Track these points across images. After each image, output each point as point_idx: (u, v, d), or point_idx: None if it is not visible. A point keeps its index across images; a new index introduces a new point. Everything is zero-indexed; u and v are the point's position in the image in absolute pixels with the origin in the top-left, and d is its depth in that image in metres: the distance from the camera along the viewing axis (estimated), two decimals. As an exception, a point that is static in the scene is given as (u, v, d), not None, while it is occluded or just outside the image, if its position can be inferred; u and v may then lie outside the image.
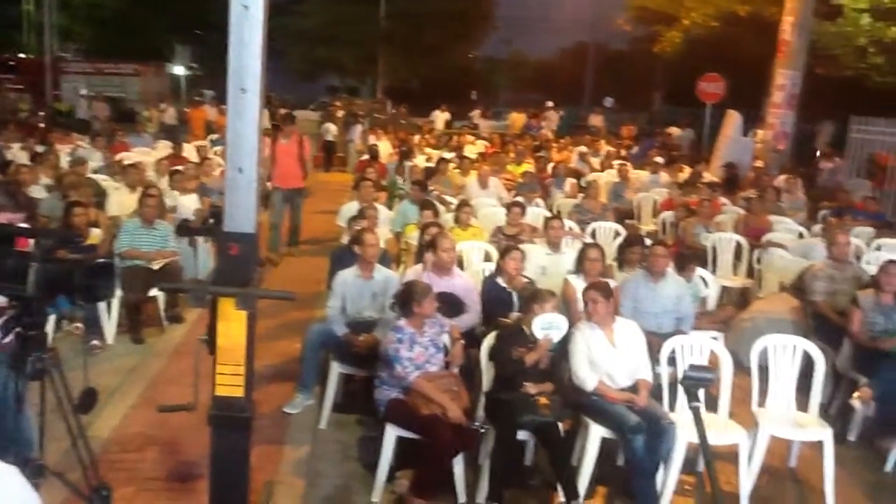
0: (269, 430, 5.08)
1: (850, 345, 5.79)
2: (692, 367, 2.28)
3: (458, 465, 4.41)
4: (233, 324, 3.08)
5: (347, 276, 5.53)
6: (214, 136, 16.55)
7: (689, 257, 6.58)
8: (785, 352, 5.03)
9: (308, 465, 4.81)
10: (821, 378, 4.97)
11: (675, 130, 21.06)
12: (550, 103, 25.56)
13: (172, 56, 33.44)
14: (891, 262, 5.98)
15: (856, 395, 5.37)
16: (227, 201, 3.12)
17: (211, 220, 3.42)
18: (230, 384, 3.12)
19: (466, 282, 5.71)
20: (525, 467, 4.84)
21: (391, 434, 4.44)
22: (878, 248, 8.41)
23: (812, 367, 4.98)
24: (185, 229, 5.40)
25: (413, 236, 7.43)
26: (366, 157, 14.31)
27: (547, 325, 4.63)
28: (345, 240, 7.23)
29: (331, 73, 40.05)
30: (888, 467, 5.13)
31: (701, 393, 2.09)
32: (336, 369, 5.34)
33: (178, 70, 34.42)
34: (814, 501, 4.78)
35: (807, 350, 5.03)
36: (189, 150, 13.07)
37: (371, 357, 5.00)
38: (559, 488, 4.43)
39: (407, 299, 4.65)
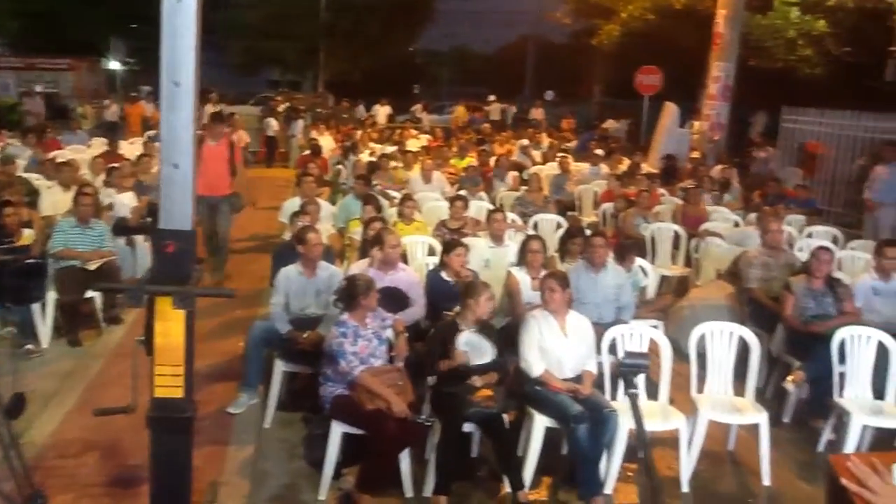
0: (213, 430, 5.02)
1: (783, 329, 5.97)
2: (628, 355, 2.33)
3: (405, 460, 4.42)
4: (171, 323, 3.02)
5: (290, 273, 5.49)
6: (152, 133, 16.18)
7: (630, 247, 6.71)
8: (722, 338, 5.16)
9: (253, 464, 4.76)
10: (756, 363, 5.12)
11: (611, 123, 21.42)
12: (493, 97, 25.73)
13: (107, 50, 32.54)
14: (821, 248, 6.19)
15: (789, 378, 5.55)
16: (162, 198, 3.06)
17: (148, 218, 3.35)
18: (169, 385, 3.06)
19: (410, 276, 5.72)
20: (472, 459, 4.88)
21: (336, 430, 4.43)
22: (810, 235, 8.70)
23: (748, 352, 5.12)
24: (121, 228, 5.30)
25: (356, 231, 7.40)
26: (307, 152, 14.17)
27: (468, 345, 4.69)
28: (287, 236, 7.16)
29: (272, 67, 39.49)
30: (820, 447, 5.30)
31: (639, 379, 2.13)
32: (280, 367, 5.29)
33: (114, 65, 33.52)
34: (751, 482, 4.92)
35: (742, 336, 5.17)
36: (126, 148, 12.76)
37: (315, 354, 4.95)
38: (505, 479, 4.49)
39: (350, 293, 4.64)
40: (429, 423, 4.47)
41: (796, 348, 5.76)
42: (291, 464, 4.81)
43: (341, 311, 4.67)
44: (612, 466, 4.60)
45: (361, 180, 9.14)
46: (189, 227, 3.07)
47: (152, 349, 3.06)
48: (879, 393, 5.16)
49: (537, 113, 24.79)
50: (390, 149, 14.09)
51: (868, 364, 5.21)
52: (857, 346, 5.22)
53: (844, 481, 1.79)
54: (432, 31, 43.17)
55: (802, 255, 7.06)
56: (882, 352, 5.20)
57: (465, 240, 6.96)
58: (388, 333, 4.89)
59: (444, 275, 5.65)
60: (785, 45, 15.98)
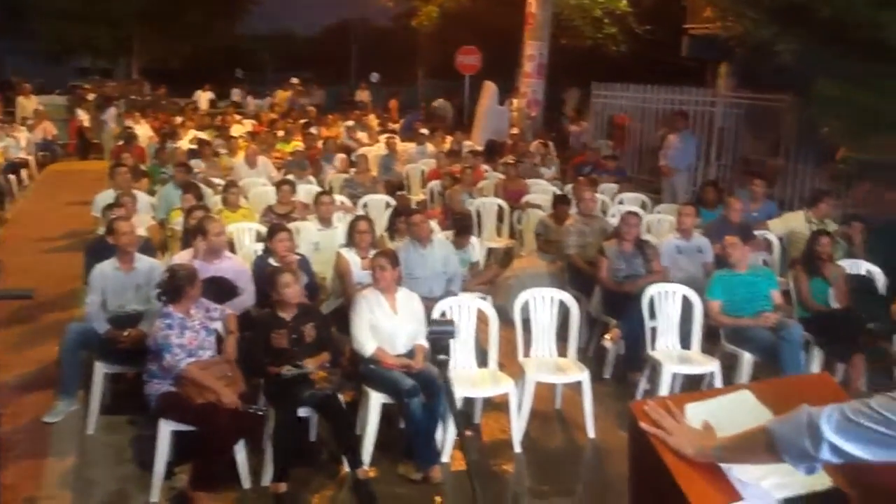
0: (27, 443, 4.70)
1: (599, 291, 6.37)
2: (435, 322, 2.40)
3: (241, 452, 4.34)
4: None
5: (106, 269, 5.18)
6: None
7: (467, 225, 6.90)
8: (544, 303, 5.43)
9: (76, 474, 4.50)
10: (576, 324, 5.44)
11: (441, 102, 21.80)
12: (294, 80, 25.34)
13: None
14: (629, 213, 6.65)
15: (607, 336, 5.94)
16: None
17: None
18: (-33, 398, 2.82)
19: (237, 264, 5.57)
20: (310, 444, 4.86)
21: (165, 429, 4.26)
22: (621, 202, 9.29)
23: (569, 314, 5.42)
24: None
25: (178, 222, 7.10)
26: (122, 142, 13.39)
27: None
28: (101, 231, 6.76)
29: (83, 53, 36.73)
30: (638, 397, 5.71)
31: (451, 345, 2.22)
32: (101, 369, 5.00)
33: None
34: (577, 436, 5.24)
35: (562, 300, 5.47)
36: None
37: (138, 352, 4.72)
38: (344, 459, 4.51)
39: (173, 284, 4.47)
40: (261, 413, 4.39)
41: (612, 308, 6.17)
42: (120, 469, 4.58)
43: (164, 304, 4.49)
44: (447, 435, 4.74)
45: (181, 168, 8.77)
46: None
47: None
48: (686, 343, 5.63)
49: (363, 95, 24.73)
50: (213, 135, 13.60)
51: (675, 317, 5.66)
52: (664, 301, 5.67)
53: (642, 424, 1.95)
54: (254, 14, 41.91)
55: (615, 221, 7.53)
56: (687, 305, 5.67)
57: (294, 224, 6.91)
58: (217, 325, 4.76)
59: (271, 261, 5.56)
60: (592, 23, 16.90)
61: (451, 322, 2.46)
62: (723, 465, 1.85)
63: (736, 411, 1.98)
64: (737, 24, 7.92)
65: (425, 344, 4.91)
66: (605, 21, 16.90)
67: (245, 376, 4.58)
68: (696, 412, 1.97)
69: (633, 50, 17.31)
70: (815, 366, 5.66)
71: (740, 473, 1.85)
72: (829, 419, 1.66)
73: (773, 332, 5.43)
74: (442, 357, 2.29)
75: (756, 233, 7.25)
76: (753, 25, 7.57)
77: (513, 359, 5.35)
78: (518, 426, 4.99)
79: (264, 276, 5.50)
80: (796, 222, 7.44)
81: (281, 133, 14.16)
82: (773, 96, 10.94)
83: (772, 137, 11.29)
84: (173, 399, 4.27)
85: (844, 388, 4.30)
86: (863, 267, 6.52)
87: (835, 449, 1.64)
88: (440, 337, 2.29)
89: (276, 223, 6.18)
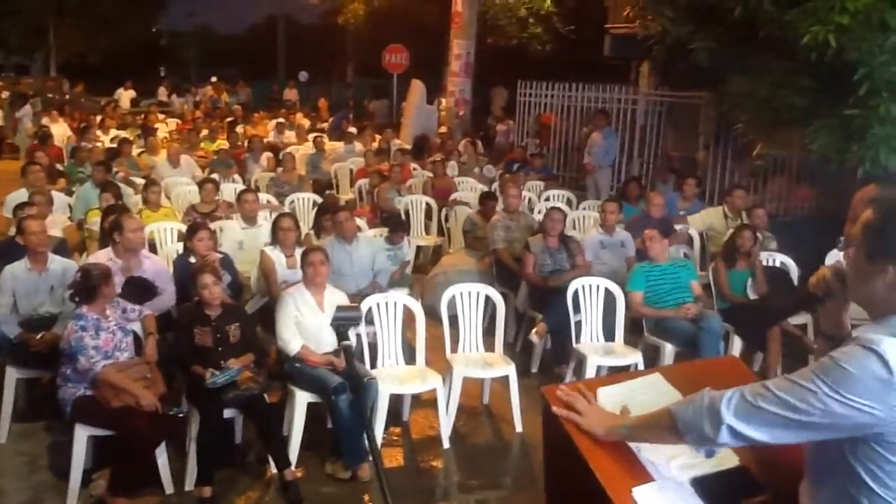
0: (-66, 455, 4.48)
1: (526, 286, 6.43)
2: (339, 309, 2.41)
3: (162, 455, 4.23)
4: None
5: (17, 271, 4.99)
6: None
7: (400, 224, 6.89)
8: (470, 298, 5.45)
9: (-14, 485, 4.32)
10: (502, 319, 5.48)
11: (375, 104, 21.84)
12: (214, 79, 25.06)
13: None
14: (552, 209, 6.74)
15: (534, 331, 6.00)
16: None
17: None
18: None
19: (156, 264, 5.44)
20: (235, 446, 4.78)
21: (81, 434, 4.12)
22: (548, 199, 9.42)
23: (496, 310, 5.47)
24: None
25: (95, 221, 6.88)
26: (37, 140, 12.90)
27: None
28: (13, 232, 6.50)
29: (-6, 50, 35.20)
30: (562, 389, 5.80)
31: (352, 332, 2.27)
32: (13, 375, 4.81)
33: None
34: (505, 430, 5.28)
35: (489, 295, 5.51)
36: None
37: (53, 356, 4.56)
38: (271, 459, 4.45)
39: (86, 284, 4.32)
40: (182, 415, 4.29)
41: (538, 303, 6.24)
42: (34, 477, 4.41)
43: (78, 305, 4.34)
44: (375, 433, 4.72)
45: (100, 167, 8.51)
46: None
47: None
48: (610, 335, 5.74)
49: (291, 94, 24.47)
50: (134, 134, 13.25)
51: (598, 310, 5.76)
52: (588, 295, 5.76)
53: (555, 409, 1.98)
54: (175, 10, 40.97)
55: (541, 218, 7.62)
56: (610, 298, 5.78)
57: (217, 222, 6.80)
58: (135, 326, 4.63)
59: (192, 260, 5.44)
60: (517, 23, 17.09)
61: (356, 308, 2.48)
62: (633, 447, 1.90)
63: (647, 394, 2.03)
64: (654, 23, 8.12)
65: (352, 341, 4.89)
66: (531, 21, 17.13)
67: (166, 378, 4.47)
68: (608, 395, 2.01)
69: (559, 49, 17.57)
70: (735, 355, 5.84)
71: (651, 455, 1.89)
72: (728, 403, 1.68)
73: (693, 323, 5.58)
74: (346, 343, 2.32)
75: (677, 227, 7.44)
76: (670, 24, 7.77)
77: (442, 355, 5.36)
78: (446, 422, 5.01)
79: (185, 276, 5.40)
80: (714, 217, 7.68)
81: (205, 132, 13.91)
82: (692, 93, 11.26)
83: (692, 134, 11.61)
84: (89, 403, 4.14)
85: (762, 376, 4.47)
86: (777, 259, 6.77)
87: (734, 432, 1.66)
88: (344, 323, 2.31)
89: (196, 222, 6.06)
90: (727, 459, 1.93)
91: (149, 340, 4.57)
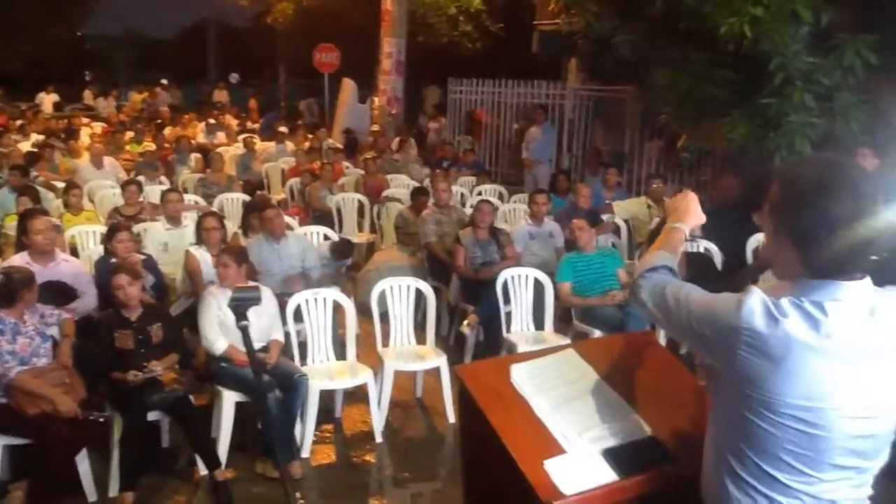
0: None
1: (457, 279, 6.45)
2: (238, 290, 2.40)
3: (83, 462, 4.10)
4: None
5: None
6: None
7: (346, 251, 6.79)
8: (401, 292, 5.44)
9: None
10: (433, 311, 5.48)
11: (306, 104, 21.67)
12: (164, 81, 24.63)
13: None
14: (481, 201, 6.78)
15: (465, 322, 6.02)
16: None
17: None
18: None
19: (75, 266, 5.27)
20: (163, 449, 4.67)
21: (-4, 444, 3.97)
22: (480, 194, 9.46)
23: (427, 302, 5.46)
24: None
25: (12, 226, 6.64)
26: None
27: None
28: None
29: None
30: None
31: (251, 312, 2.26)
32: (-78, 387, 4.60)
33: None
34: (438, 423, 5.28)
35: (419, 288, 5.50)
36: None
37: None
38: (200, 461, 4.35)
39: (7, 288, 4.16)
40: (101, 420, 4.16)
41: (470, 295, 6.26)
42: (-55, 493, 4.23)
43: (-8, 312, 4.17)
44: (307, 430, 4.68)
45: (15, 172, 8.22)
46: None
47: None
48: (540, 324, 5.79)
49: (221, 95, 24.10)
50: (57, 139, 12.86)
51: (528, 300, 5.81)
52: (518, 285, 5.80)
53: (468, 385, 1.99)
54: (102, 15, 39.84)
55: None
56: (539, 288, 5.83)
57: (141, 224, 6.64)
58: (53, 331, 4.47)
59: (113, 262, 5.28)
60: (448, 21, 17.14)
61: (255, 289, 2.46)
62: (545, 421, 1.91)
63: (561, 369, 2.05)
64: (579, 18, 8.24)
65: (280, 338, 4.83)
66: (461, 19, 17.20)
67: (87, 382, 4.33)
68: (522, 372, 2.02)
69: (490, 47, 17.69)
70: (661, 339, 5.95)
71: (563, 428, 1.91)
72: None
73: (620, 310, 5.67)
74: (243, 323, 2.31)
75: (604, 217, 7.57)
76: (594, 18, 7.89)
77: (376, 351, 5.33)
78: (378, 416, 4.98)
79: (107, 279, 5.25)
80: (638, 207, 7.84)
81: (130, 134, 13.62)
82: (618, 88, 11.45)
83: (619, 127, 11.82)
84: (4, 411, 3.97)
85: (689, 358, 4.57)
86: (701, 245, 6.92)
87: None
88: (241, 304, 2.30)
89: (115, 223, 5.90)
90: (639, 431, 1.96)
91: (63, 344, 4.41)
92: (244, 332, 2.32)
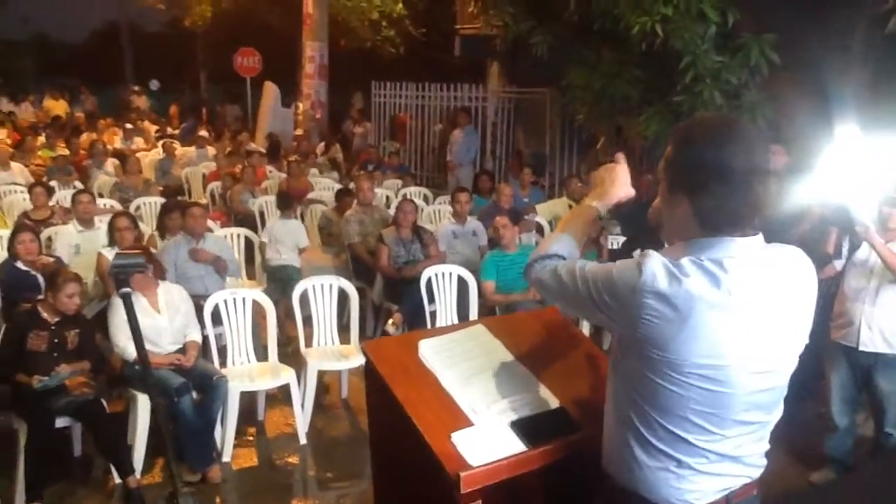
0: None
1: (381, 279, 6.43)
2: (119, 255, 2.30)
3: (-15, 473, 3.92)
4: None
5: None
6: None
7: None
8: (323, 291, 5.38)
9: None
10: (356, 310, 5.45)
11: (230, 109, 21.29)
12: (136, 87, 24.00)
13: None
14: (404, 200, 6.78)
15: (390, 321, 5.99)
16: None
17: None
18: None
19: (-23, 271, 5.05)
20: (74, 458, 4.50)
21: None
22: (405, 197, 9.44)
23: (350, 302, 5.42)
24: None
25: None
26: None
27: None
28: None
29: None
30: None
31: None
32: None
33: None
34: (364, 423, 5.17)
35: (342, 287, 5.45)
36: None
37: None
38: (113, 468, 4.21)
39: None
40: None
41: (393, 294, 6.25)
42: None
43: None
44: (227, 432, 4.58)
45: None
46: None
47: None
48: (465, 320, 5.81)
49: (140, 101, 23.50)
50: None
51: (452, 297, 5.83)
52: (441, 282, 5.81)
53: (374, 361, 1.98)
54: (7, 18, 38.23)
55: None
56: (463, 285, 5.86)
57: (51, 228, 6.42)
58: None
59: (19, 264, 5.09)
60: (370, 26, 17.10)
61: (138, 255, 2.35)
62: (453, 394, 1.91)
63: (469, 344, 2.06)
64: (496, 19, 8.33)
65: (197, 339, 4.72)
66: (383, 24, 17.18)
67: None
68: (430, 347, 2.02)
69: (413, 51, 17.72)
70: (585, 330, 6.05)
71: (470, 401, 1.92)
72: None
73: (541, 305, 5.73)
74: (125, 290, 2.21)
75: (526, 216, 7.65)
76: (511, 20, 7.98)
77: (300, 352, 5.26)
78: (302, 417, 4.91)
79: (12, 281, 5.07)
80: (560, 207, 7.97)
81: (42, 139, 13.17)
82: (537, 90, 11.58)
83: (540, 129, 11.97)
84: None
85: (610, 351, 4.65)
86: (620, 241, 7.07)
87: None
88: (123, 270, 2.20)
89: (18, 224, 5.69)
90: (546, 402, 1.98)
91: None
92: (126, 299, 2.21)
